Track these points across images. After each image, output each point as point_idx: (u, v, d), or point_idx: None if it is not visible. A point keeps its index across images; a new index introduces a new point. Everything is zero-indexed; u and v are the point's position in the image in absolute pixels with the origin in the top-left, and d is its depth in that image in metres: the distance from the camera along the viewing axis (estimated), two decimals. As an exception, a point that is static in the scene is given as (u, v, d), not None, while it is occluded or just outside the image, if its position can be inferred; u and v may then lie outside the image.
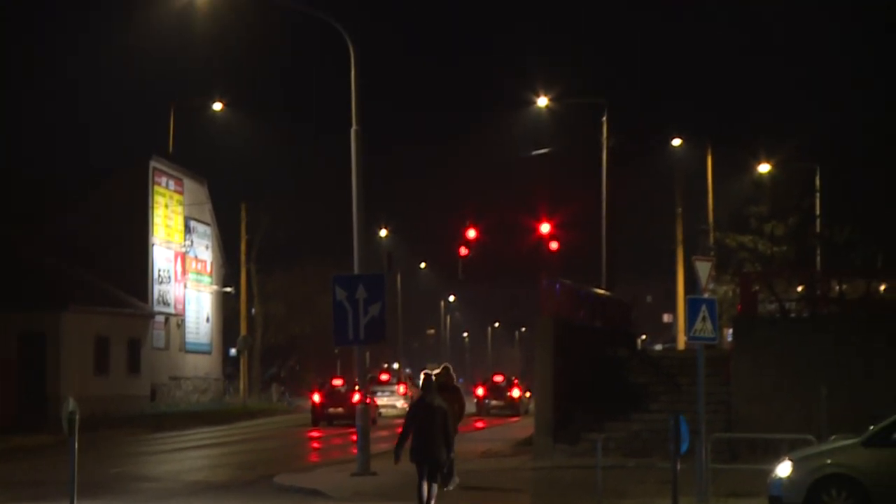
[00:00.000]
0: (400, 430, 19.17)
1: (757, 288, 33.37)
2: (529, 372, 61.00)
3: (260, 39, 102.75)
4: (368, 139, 29.75)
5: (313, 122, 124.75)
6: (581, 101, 50.08)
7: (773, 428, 26.38)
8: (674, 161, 55.63)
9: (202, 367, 68.47)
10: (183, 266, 65.55)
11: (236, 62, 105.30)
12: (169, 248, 63.61)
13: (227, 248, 72.40)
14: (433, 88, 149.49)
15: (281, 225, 77.46)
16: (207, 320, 69.99)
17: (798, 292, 35.28)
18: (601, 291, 40.95)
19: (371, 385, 56.45)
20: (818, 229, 42.86)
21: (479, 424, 51.59)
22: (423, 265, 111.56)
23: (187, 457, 35.42)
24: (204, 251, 69.40)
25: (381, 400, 58.51)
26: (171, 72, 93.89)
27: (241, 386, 68.92)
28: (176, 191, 64.42)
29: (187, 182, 65.94)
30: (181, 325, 65.57)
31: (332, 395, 51.71)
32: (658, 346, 77.48)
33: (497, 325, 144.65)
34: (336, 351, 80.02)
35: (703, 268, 22.33)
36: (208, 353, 70.01)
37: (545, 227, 56.92)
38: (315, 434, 46.28)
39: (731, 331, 35.73)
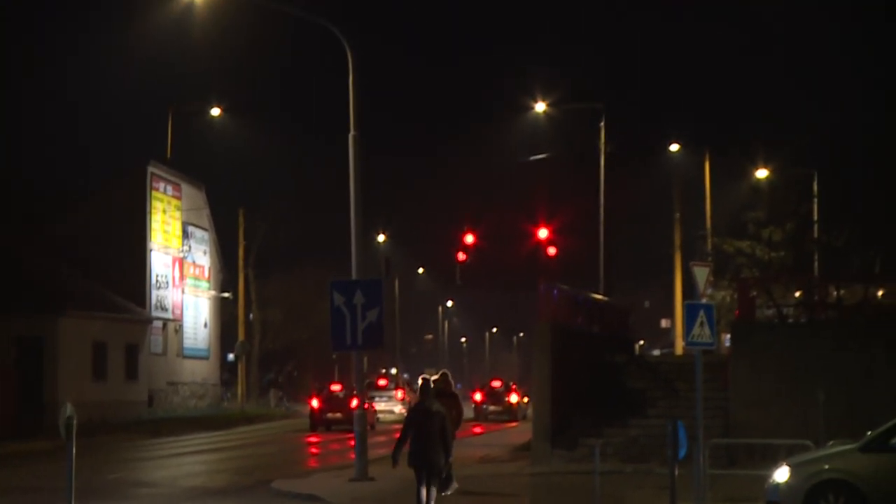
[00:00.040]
0: (397, 435, 19.16)
1: (755, 293, 33.37)
2: (527, 377, 60.98)
3: (258, 45, 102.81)
4: (366, 145, 29.75)
5: (312, 128, 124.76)
6: (579, 106, 50.13)
7: (770, 433, 26.38)
8: (671, 166, 55.65)
9: (200, 372, 68.46)
10: (181, 271, 65.55)
11: (234, 67, 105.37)
12: (167, 253, 63.61)
13: (225, 254, 72.40)
14: (431, 94, 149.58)
15: (279, 230, 77.48)
16: (205, 326, 69.98)
17: (796, 298, 35.26)
18: (599, 297, 40.96)
19: (369, 390, 56.44)
20: (816, 235, 42.77)
21: (477, 430, 51.59)
22: (421, 270, 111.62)
23: (185, 462, 35.40)
24: (202, 256, 69.40)
25: (379, 405, 58.53)
26: (170, 77, 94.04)
27: (239, 391, 68.90)
28: (174, 196, 64.43)
29: (185, 187, 65.96)
30: (179, 330, 65.56)
31: (330, 401, 51.70)
32: (656, 352, 77.46)
33: (495, 330, 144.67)
34: (334, 356, 79.93)
35: (701, 273, 22.33)
36: (206, 358, 70.00)
37: (543, 233, 56.99)
38: (313, 439, 46.26)
39: (728, 336, 35.73)
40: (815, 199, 46.46)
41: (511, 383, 65.63)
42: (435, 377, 22.90)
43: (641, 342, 77.02)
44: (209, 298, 70.69)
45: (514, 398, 61.61)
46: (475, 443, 41.64)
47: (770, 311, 34.06)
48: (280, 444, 44.10)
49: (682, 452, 19.01)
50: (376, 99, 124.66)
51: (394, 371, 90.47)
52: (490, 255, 70.16)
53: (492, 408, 61.15)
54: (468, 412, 47.86)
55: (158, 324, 62.04)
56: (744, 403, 29.73)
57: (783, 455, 21.91)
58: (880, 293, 34.95)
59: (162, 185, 62.99)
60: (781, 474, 19.35)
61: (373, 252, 77.23)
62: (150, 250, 61.44)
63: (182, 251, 65.76)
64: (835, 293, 33.25)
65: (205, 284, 70.00)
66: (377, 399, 59.65)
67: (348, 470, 28.39)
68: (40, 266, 53.63)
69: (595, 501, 20.92)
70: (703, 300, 22.04)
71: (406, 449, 18.60)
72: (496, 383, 64.21)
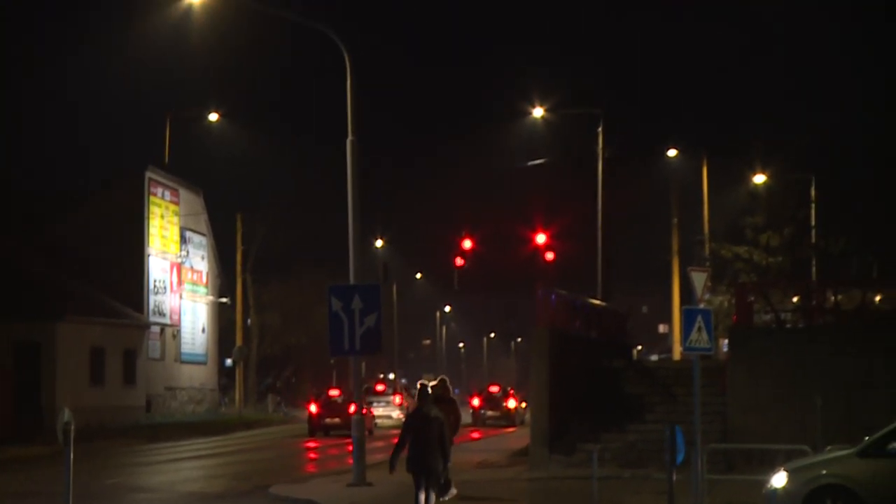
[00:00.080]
0: (395, 440, 19.16)
1: (752, 298, 33.38)
2: (525, 382, 61.02)
3: (256, 49, 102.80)
4: (364, 149, 29.76)
5: (309, 133, 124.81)
6: (577, 111, 50.13)
7: (768, 438, 26.38)
8: (669, 171, 55.67)
9: (198, 377, 68.45)
10: (179, 277, 65.54)
11: (232, 72, 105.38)
12: (165, 258, 63.61)
13: (223, 259, 72.41)
14: (429, 99, 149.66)
15: (277, 235, 77.49)
16: (203, 331, 69.98)
17: (794, 303, 35.28)
18: (597, 302, 40.97)
19: (367, 396, 56.43)
20: (814, 240, 42.83)
21: (475, 435, 51.57)
22: (418, 276, 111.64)
23: (183, 467, 35.38)
24: (200, 262, 69.40)
25: (377, 410, 58.50)
26: (168, 82, 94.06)
27: (237, 396, 68.89)
28: (172, 201, 64.44)
29: (183, 193, 65.97)
30: (177, 335, 65.56)
31: (328, 406, 51.72)
32: (654, 357, 77.42)
33: (493, 335, 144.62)
34: (332, 361, 79.98)
35: (699, 278, 22.34)
36: (204, 363, 69.99)
37: (541, 238, 56.97)
38: (311, 444, 46.25)
39: (726, 341, 35.75)
40: (813, 205, 46.51)
41: (509, 388, 65.63)
42: (433, 383, 22.91)
43: (639, 347, 77.04)
44: (207, 303, 70.68)
45: (511, 403, 61.62)
46: (473, 448, 41.62)
47: (768, 317, 34.07)
48: (278, 449, 44.09)
49: (680, 458, 19.01)
50: (375, 102, 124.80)
51: (392, 376, 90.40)
52: (488, 260, 70.14)
53: (490, 413, 61.17)
54: (466, 417, 47.87)
55: (156, 329, 62.05)
56: (742, 408, 29.74)
57: (781, 460, 21.90)
58: (878, 298, 34.99)
59: (160, 190, 62.99)
60: (779, 479, 19.35)
61: (371, 257, 77.31)
62: (148, 255, 61.44)
63: (180, 256, 65.76)
64: (832, 298, 33.27)
65: (203, 289, 69.99)
66: (375, 404, 59.60)
67: (346, 475, 28.38)
68: (38, 271, 53.63)
69: (593, 507, 20.92)
70: (701, 305, 22.05)
71: (404, 454, 18.60)
72: (494, 388, 64.22)
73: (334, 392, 54.36)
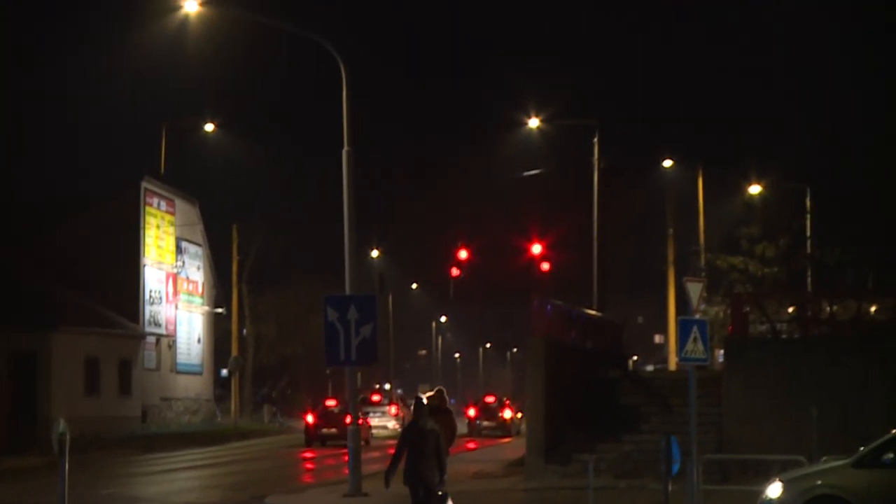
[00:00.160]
0: (391, 450, 19.18)
1: (748, 309, 33.41)
2: (521, 393, 60.96)
3: (253, 60, 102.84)
4: (360, 160, 29.80)
5: (306, 143, 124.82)
6: (573, 122, 50.17)
7: (764, 449, 26.39)
8: (665, 182, 55.75)
9: (193, 387, 68.39)
10: (174, 287, 65.53)
11: (229, 83, 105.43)
12: (160, 268, 63.60)
13: (219, 269, 72.38)
14: (425, 109, 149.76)
15: (273, 246, 77.47)
16: (199, 341, 69.94)
17: (789, 313, 35.32)
18: (592, 312, 40.98)
19: (363, 406, 56.42)
20: (809, 251, 42.90)
21: (471, 445, 51.56)
22: (414, 286, 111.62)
23: (178, 478, 35.36)
24: (195, 272, 69.39)
25: (373, 421, 58.48)
26: (164, 93, 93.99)
27: (233, 406, 68.83)
28: (167, 211, 64.45)
29: (179, 203, 65.98)
30: (172, 345, 65.52)
31: (325, 416, 51.72)
32: (649, 367, 77.47)
33: (489, 345, 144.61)
34: (328, 371, 79.95)
35: (695, 289, 22.38)
36: (199, 373, 69.93)
37: (537, 248, 56.93)
38: (308, 455, 46.22)
39: (722, 352, 35.76)
40: (809, 215, 46.59)
41: (505, 399, 65.60)
42: (430, 393, 22.90)
43: (635, 358, 77.14)
44: (203, 314, 70.66)
45: (507, 413, 61.60)
46: (469, 458, 41.61)
47: (763, 327, 34.09)
48: (274, 459, 44.06)
49: (676, 468, 19.03)
50: (371, 113, 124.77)
51: (387, 386, 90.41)
52: (484, 270, 70.18)
53: (485, 423, 61.15)
54: (462, 427, 47.84)
55: (152, 339, 62.01)
56: (737, 419, 29.76)
57: (777, 471, 21.92)
58: (873, 309, 35.03)
59: (156, 200, 63.01)
60: (774, 490, 19.36)
61: (367, 267, 77.26)
62: (144, 266, 61.43)
63: (176, 267, 65.75)
64: (828, 309, 33.31)
65: (198, 300, 69.97)
66: (371, 414, 59.61)
67: (342, 485, 28.37)
68: (34, 281, 53.60)
69: (589, 517, 20.93)
70: (697, 316, 22.10)
71: (400, 467, 18.62)
72: (490, 399, 64.19)
73: (331, 402, 54.33)
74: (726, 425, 29.98)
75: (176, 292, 65.79)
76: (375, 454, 40.78)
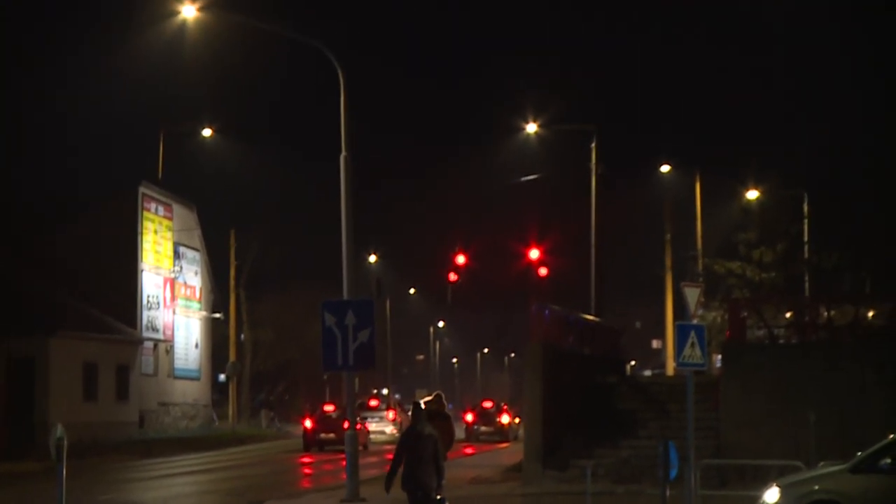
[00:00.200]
0: (389, 455, 19.20)
1: (745, 314, 33.43)
2: (518, 398, 60.97)
3: (250, 66, 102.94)
4: (358, 165, 29.81)
5: (303, 149, 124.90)
6: (570, 127, 50.20)
7: (761, 454, 26.41)
8: (662, 187, 55.78)
9: (191, 393, 68.35)
10: (172, 292, 65.51)
11: (227, 89, 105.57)
12: (158, 273, 63.59)
13: (217, 274, 72.36)
14: (423, 115, 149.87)
15: (271, 250, 77.44)
16: (196, 346, 69.90)
17: (787, 318, 35.32)
18: (590, 317, 40.99)
19: (360, 411, 56.42)
20: (806, 256, 42.91)
21: (469, 450, 51.55)
22: (412, 291, 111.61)
23: (176, 483, 35.33)
24: (193, 277, 69.37)
25: (371, 426, 58.48)
26: (162, 98, 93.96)
27: (230, 412, 68.79)
28: (165, 217, 64.44)
29: (176, 208, 65.97)
30: (170, 351, 65.49)
31: (323, 421, 51.73)
32: (647, 373, 77.56)
33: (486, 350, 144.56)
34: (325, 377, 79.92)
35: (692, 294, 22.41)
36: (197, 379, 69.89)
37: (534, 253, 57.02)
38: (306, 460, 46.20)
39: (719, 357, 35.76)
40: (806, 220, 46.62)
41: (502, 404, 65.60)
42: (428, 398, 22.92)
43: (632, 363, 77.11)
44: (200, 319, 70.63)
45: (505, 419, 61.59)
46: (467, 463, 41.59)
47: (761, 332, 34.11)
48: (272, 464, 44.03)
49: (674, 473, 19.03)
50: (369, 118, 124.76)
51: (385, 391, 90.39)
52: (481, 275, 70.18)
53: (483, 428, 61.13)
54: (460, 433, 47.83)
55: (149, 344, 61.98)
56: (735, 424, 29.76)
57: (774, 476, 21.94)
58: (871, 314, 35.03)
59: (153, 205, 63.00)
60: (772, 495, 19.37)
61: (364, 272, 77.26)
62: (142, 271, 61.41)
63: (173, 272, 65.73)
64: (825, 314, 33.32)
65: (196, 305, 69.95)
66: (369, 420, 59.62)
67: (340, 491, 28.36)
68: (32, 286, 53.58)
69: (586, 522, 20.93)
70: (694, 321, 22.11)
71: (399, 471, 18.65)
72: (487, 404, 64.18)
73: (329, 407, 54.35)
74: (724, 430, 29.98)
75: (174, 297, 65.77)
76: (373, 459, 40.76)
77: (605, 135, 47.30)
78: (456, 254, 59.43)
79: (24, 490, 31.89)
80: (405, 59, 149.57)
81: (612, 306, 51.56)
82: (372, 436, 56.16)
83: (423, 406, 19.50)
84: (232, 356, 68.92)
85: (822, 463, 21.66)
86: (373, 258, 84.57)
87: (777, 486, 19.60)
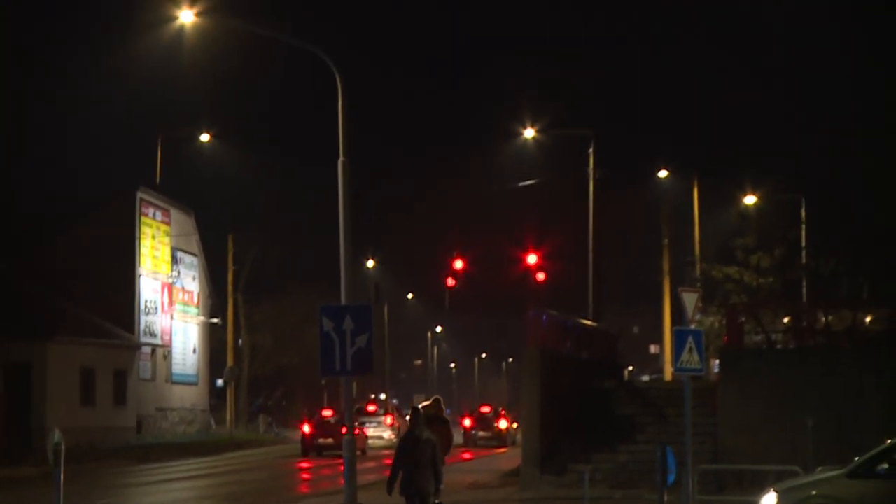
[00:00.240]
0: (387, 461, 19.23)
1: (743, 319, 33.43)
2: (516, 403, 60.94)
3: (248, 70, 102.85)
4: (356, 170, 29.78)
5: (301, 153, 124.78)
6: (568, 132, 50.25)
7: (759, 459, 26.41)
8: (660, 192, 55.79)
9: (189, 398, 68.32)
10: (170, 297, 65.49)
11: (224, 93, 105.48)
12: (156, 278, 63.56)
13: (215, 279, 72.34)
14: (420, 119, 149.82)
15: (268, 255, 77.43)
16: (194, 351, 69.88)
17: (784, 324, 35.32)
18: (588, 322, 41.01)
19: (358, 416, 56.40)
20: (804, 261, 42.92)
21: (467, 455, 51.53)
22: (410, 296, 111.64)
23: (174, 488, 35.31)
24: (191, 282, 69.35)
25: (369, 431, 58.48)
26: (159, 103, 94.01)
27: (228, 417, 68.77)
28: (163, 221, 64.43)
29: (174, 213, 65.96)
30: (168, 356, 65.46)
31: (322, 426, 51.74)
32: (645, 378, 77.48)
33: (484, 355, 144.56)
34: (323, 382, 79.86)
35: (690, 299, 22.41)
36: (195, 384, 69.87)
37: (532, 258, 57.03)
38: (304, 465, 46.18)
39: (717, 362, 35.77)
40: (804, 226, 46.64)
41: (500, 409, 65.57)
42: (426, 403, 22.95)
43: (630, 368, 77.03)
44: (198, 324, 70.61)
45: (503, 424, 61.58)
46: (465, 468, 41.59)
47: (759, 337, 34.12)
48: (270, 469, 44.01)
49: (671, 478, 19.04)
50: (367, 122, 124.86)
51: (383, 396, 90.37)
52: (479, 280, 70.17)
53: (481, 433, 61.13)
54: (457, 438, 47.82)
55: (147, 349, 61.94)
56: (733, 429, 29.76)
57: (772, 481, 21.93)
58: (868, 319, 35.03)
59: (151, 210, 62.99)
60: (769, 500, 19.37)
61: (362, 277, 77.32)
62: (139, 276, 61.39)
63: (171, 277, 65.72)
64: (823, 319, 33.32)
65: (194, 310, 69.94)
66: (367, 425, 59.62)
67: (338, 496, 28.28)
68: (29, 291, 53.54)
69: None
70: (692, 326, 22.11)
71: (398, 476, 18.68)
72: (485, 409, 64.18)
73: (327, 412, 54.35)
74: (722, 436, 29.99)
75: (171, 302, 65.75)
76: (371, 464, 40.74)
77: (604, 136, 47.41)
78: (454, 259, 59.46)
79: (22, 495, 31.86)
80: (404, 60, 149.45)
81: (609, 311, 51.54)
82: (370, 441, 56.16)
83: (421, 411, 19.53)
84: (230, 361, 68.89)
85: (819, 468, 21.67)
86: (371, 263, 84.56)
87: (774, 491, 19.60)
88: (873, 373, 29.30)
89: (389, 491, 18.72)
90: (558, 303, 42.97)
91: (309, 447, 51.08)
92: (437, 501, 19.58)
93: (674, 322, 49.74)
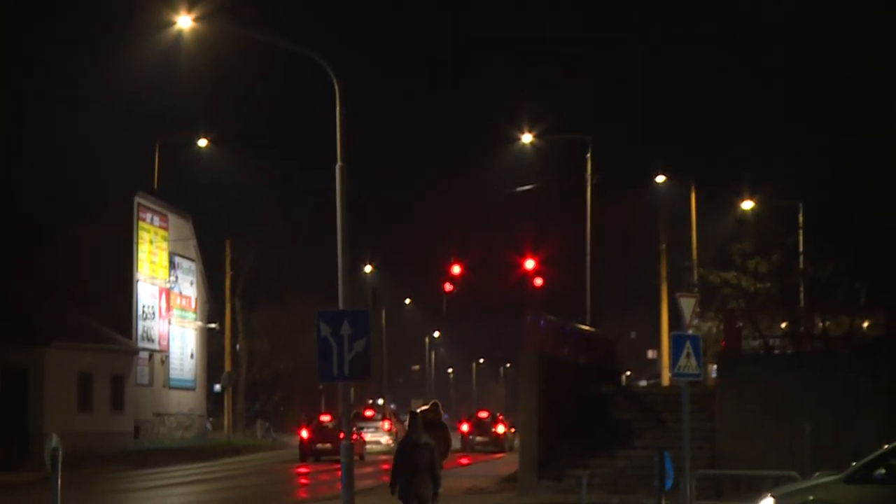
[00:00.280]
0: (384, 465, 19.27)
1: (741, 324, 33.46)
2: (514, 408, 61.01)
3: (246, 75, 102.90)
4: (353, 175, 29.79)
5: (299, 158, 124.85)
6: (566, 137, 50.26)
7: (757, 464, 26.42)
8: (658, 197, 55.81)
9: (186, 403, 68.29)
10: (167, 302, 65.47)
11: (222, 98, 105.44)
12: (153, 284, 63.55)
13: (212, 284, 72.30)
14: (418, 124, 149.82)
15: (266, 261, 77.44)
16: (192, 356, 69.86)
17: (782, 329, 35.35)
18: (586, 327, 41.02)
19: (356, 421, 56.38)
20: (802, 266, 42.95)
21: (464, 460, 51.54)
22: (407, 301, 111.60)
23: (171, 493, 35.29)
24: (188, 287, 69.34)
25: (367, 436, 58.50)
26: (157, 108, 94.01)
27: (226, 422, 68.74)
28: (161, 227, 64.42)
29: (172, 218, 65.96)
30: (165, 361, 65.43)
31: (320, 431, 51.78)
32: (642, 383, 77.44)
33: (482, 361, 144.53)
34: (321, 387, 79.87)
35: (687, 304, 22.42)
36: (192, 389, 69.84)
37: (530, 264, 57.04)
38: (302, 470, 46.17)
39: (715, 367, 35.79)
40: (801, 231, 46.66)
41: (498, 414, 65.62)
42: (424, 408, 22.95)
43: (628, 373, 77.15)
44: (196, 329, 70.59)
45: (500, 429, 61.60)
46: (462, 473, 41.58)
47: (756, 342, 34.13)
48: (268, 474, 44.00)
49: (669, 483, 19.03)
50: (364, 127, 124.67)
51: (381, 402, 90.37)
52: (477, 285, 70.12)
53: (479, 438, 61.15)
54: (455, 443, 47.82)
55: (145, 354, 61.91)
56: (730, 434, 29.77)
57: (769, 486, 21.93)
58: (866, 324, 35.07)
59: (149, 215, 62.98)
60: (767, 505, 19.38)
61: (360, 282, 77.30)
62: (137, 281, 61.37)
63: (169, 282, 65.70)
64: (821, 324, 33.35)
65: (191, 315, 69.91)
66: (365, 430, 59.64)
67: (336, 501, 28.29)
68: (27, 296, 53.52)
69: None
70: (690, 331, 22.12)
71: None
72: (483, 414, 64.21)
73: (325, 417, 54.42)
74: (719, 441, 30.00)
75: (169, 308, 65.73)
76: (368, 469, 40.73)
77: (601, 141, 47.41)
78: (451, 264, 59.47)
79: (19, 501, 31.86)
80: (399, 69, 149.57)
81: (607, 316, 51.53)
82: (368, 446, 56.17)
83: (419, 416, 19.55)
84: (227, 366, 68.88)
85: (816, 473, 21.67)
86: (368, 268, 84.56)
87: (772, 496, 19.60)
88: (870, 378, 29.31)
89: (393, 491, 18.82)
90: (556, 308, 42.99)
91: (307, 452, 51.10)
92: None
93: (671, 327, 49.71)
